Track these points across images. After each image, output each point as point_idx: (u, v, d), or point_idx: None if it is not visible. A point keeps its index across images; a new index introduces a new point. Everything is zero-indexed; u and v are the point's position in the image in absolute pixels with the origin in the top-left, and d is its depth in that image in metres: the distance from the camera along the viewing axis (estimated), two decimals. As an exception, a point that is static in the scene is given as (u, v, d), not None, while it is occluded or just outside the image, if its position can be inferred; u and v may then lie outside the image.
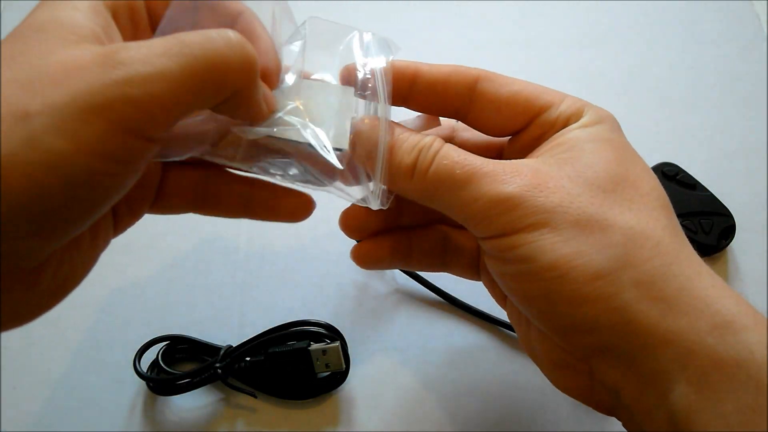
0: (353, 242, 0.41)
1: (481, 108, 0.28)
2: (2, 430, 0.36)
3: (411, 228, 0.32)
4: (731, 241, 0.41)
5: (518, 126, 0.28)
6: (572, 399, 0.37)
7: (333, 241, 0.42)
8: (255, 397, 0.37)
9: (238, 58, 0.20)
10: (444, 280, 0.40)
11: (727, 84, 0.49)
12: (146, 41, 0.20)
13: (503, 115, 0.28)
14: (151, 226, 0.40)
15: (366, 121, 0.26)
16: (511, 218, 0.24)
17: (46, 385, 0.35)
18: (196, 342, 0.38)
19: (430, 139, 0.26)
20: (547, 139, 0.27)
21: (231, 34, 0.20)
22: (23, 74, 0.19)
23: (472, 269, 0.32)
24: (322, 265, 0.42)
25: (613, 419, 0.37)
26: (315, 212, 0.29)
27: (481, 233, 0.25)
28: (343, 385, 0.37)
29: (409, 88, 0.28)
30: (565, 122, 0.27)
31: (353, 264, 0.42)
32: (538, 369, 0.38)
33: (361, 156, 0.26)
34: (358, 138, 0.26)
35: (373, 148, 0.26)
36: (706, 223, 0.41)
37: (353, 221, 0.31)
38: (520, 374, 0.38)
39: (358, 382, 0.38)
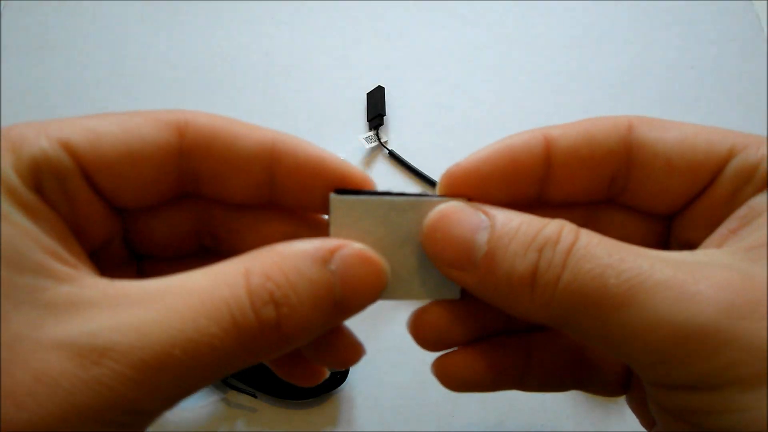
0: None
1: (645, 165, 0.19)
2: (2, 430, 0.36)
3: (524, 332, 0.22)
4: None
5: (697, 187, 0.19)
6: (572, 399, 0.37)
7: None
8: (255, 397, 0.37)
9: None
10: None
11: (727, 84, 0.49)
12: (137, 324, 0.15)
13: (677, 171, 0.19)
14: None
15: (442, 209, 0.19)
16: (711, 366, 0.14)
17: (46, 385, 0.35)
18: (196, 342, 0.38)
19: (555, 226, 0.17)
20: (740, 204, 0.18)
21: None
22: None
23: (617, 386, 0.23)
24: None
25: (613, 419, 0.37)
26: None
27: (653, 379, 0.16)
28: (343, 385, 0.37)
29: (545, 170, 0.19)
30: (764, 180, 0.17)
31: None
32: (538, 369, 0.38)
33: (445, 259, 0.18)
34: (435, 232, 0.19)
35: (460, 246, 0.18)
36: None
37: (430, 330, 0.22)
38: (520, 374, 0.38)
39: (358, 382, 0.38)
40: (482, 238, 0.18)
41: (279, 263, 0.16)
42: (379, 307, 0.40)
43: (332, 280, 0.17)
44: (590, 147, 0.19)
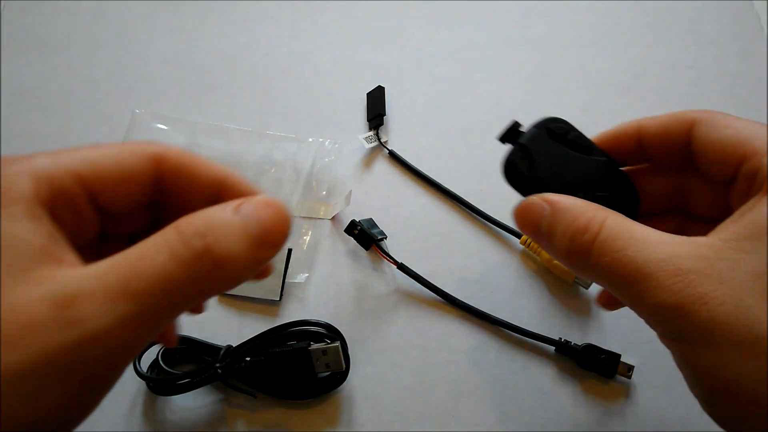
0: (348, 238, 0.41)
1: (699, 155, 0.26)
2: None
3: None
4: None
5: (728, 176, 0.25)
6: (572, 399, 0.37)
7: (333, 241, 0.42)
8: (255, 397, 0.37)
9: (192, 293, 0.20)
10: (444, 279, 0.40)
11: (727, 84, 0.49)
12: (100, 272, 0.18)
13: (714, 163, 0.26)
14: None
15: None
16: (674, 329, 0.22)
17: (46, 385, 0.35)
18: (196, 342, 0.38)
19: (586, 218, 0.25)
20: (753, 195, 0.23)
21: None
22: None
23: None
24: (322, 264, 0.42)
25: (613, 419, 0.37)
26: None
27: (654, 329, 0.24)
28: (343, 385, 0.37)
29: (638, 145, 0.29)
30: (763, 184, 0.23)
31: (353, 263, 0.42)
32: (538, 369, 0.38)
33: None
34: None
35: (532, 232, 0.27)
36: (603, 197, 0.29)
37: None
38: (520, 374, 0.38)
39: (358, 382, 0.38)
40: (545, 222, 0.26)
41: (200, 215, 0.20)
42: (379, 307, 0.40)
43: (245, 220, 0.20)
44: (664, 134, 0.28)
